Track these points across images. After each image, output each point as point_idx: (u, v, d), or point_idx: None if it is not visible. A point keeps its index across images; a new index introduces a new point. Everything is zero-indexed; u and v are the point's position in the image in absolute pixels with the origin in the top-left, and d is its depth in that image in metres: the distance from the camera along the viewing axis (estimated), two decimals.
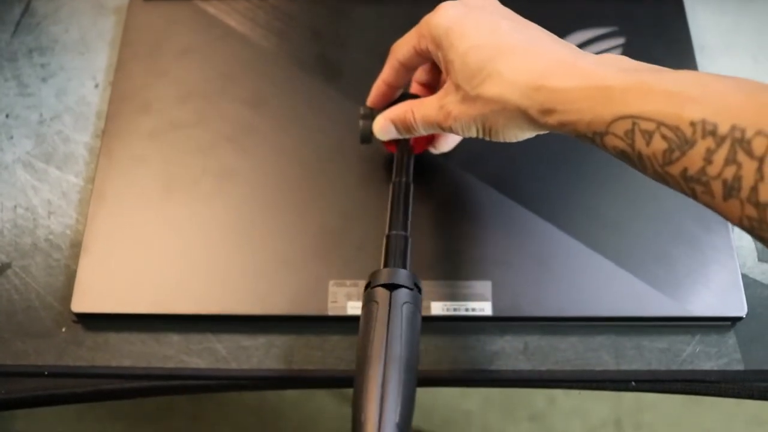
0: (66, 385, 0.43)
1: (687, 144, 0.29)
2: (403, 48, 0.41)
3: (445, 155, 0.47)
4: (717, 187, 0.29)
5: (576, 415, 1.06)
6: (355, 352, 0.35)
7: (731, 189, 0.28)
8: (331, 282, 0.44)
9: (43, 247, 0.47)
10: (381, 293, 0.35)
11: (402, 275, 0.36)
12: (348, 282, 0.44)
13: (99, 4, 0.58)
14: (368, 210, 0.47)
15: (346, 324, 0.44)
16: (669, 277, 0.44)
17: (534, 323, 0.44)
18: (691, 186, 0.30)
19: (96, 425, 1.05)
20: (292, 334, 0.44)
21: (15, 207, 0.49)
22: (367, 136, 0.44)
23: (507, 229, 0.46)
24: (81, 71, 0.55)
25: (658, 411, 1.06)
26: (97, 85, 0.54)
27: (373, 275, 0.36)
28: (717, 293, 0.44)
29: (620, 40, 0.53)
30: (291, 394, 1.05)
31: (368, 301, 0.35)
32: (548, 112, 0.34)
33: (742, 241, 0.47)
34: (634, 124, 0.31)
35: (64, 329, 0.45)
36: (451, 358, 0.44)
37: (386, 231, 0.39)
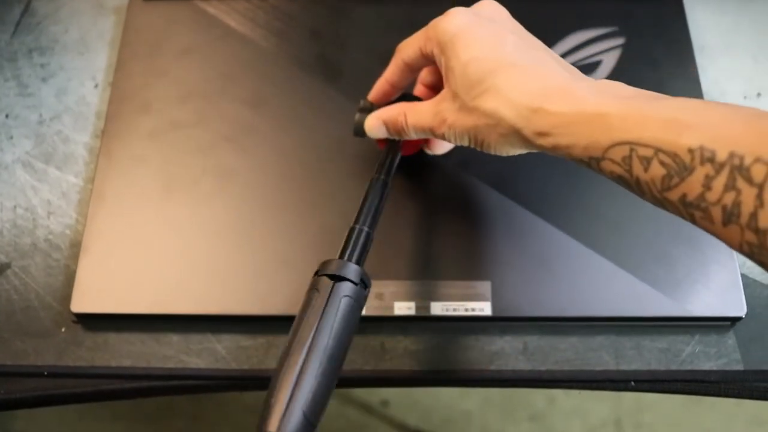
0: (66, 385, 0.43)
1: (686, 170, 0.29)
2: (409, 49, 0.41)
3: (445, 155, 0.47)
4: (716, 213, 0.29)
5: (576, 415, 1.06)
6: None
7: (731, 215, 0.28)
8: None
9: (43, 248, 0.47)
10: (324, 282, 0.35)
11: (350, 269, 0.35)
12: None
13: (99, 4, 0.58)
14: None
15: None
16: (669, 277, 0.44)
17: (534, 323, 0.44)
18: (690, 211, 0.30)
19: (96, 425, 1.05)
20: None
21: (15, 207, 0.49)
22: (361, 130, 0.44)
23: (507, 229, 0.46)
24: (81, 71, 0.55)
25: (658, 411, 1.06)
26: (96, 85, 0.54)
27: (323, 264, 0.36)
28: (717, 293, 0.44)
29: (620, 40, 0.53)
30: None
31: (311, 289, 0.35)
32: (543, 134, 0.34)
33: None
34: (631, 150, 0.31)
35: (63, 329, 0.45)
36: (451, 358, 0.44)
37: (351, 223, 0.39)
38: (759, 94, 0.53)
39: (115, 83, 0.52)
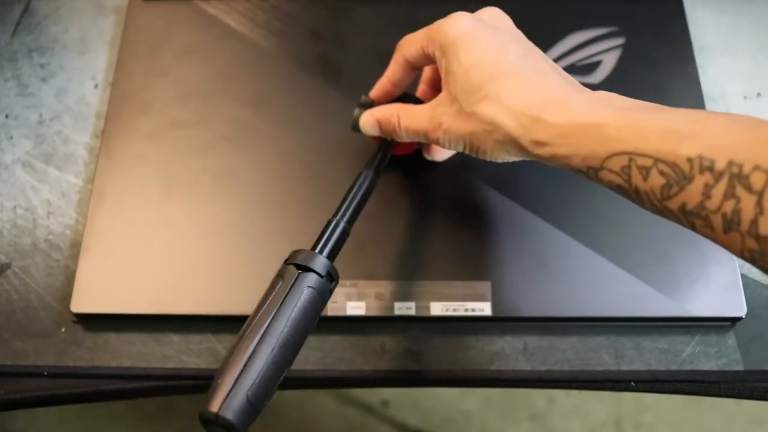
0: (66, 385, 0.43)
1: (685, 179, 0.29)
2: (410, 46, 0.41)
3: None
4: (716, 220, 0.29)
5: (576, 415, 1.06)
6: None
7: (731, 222, 0.28)
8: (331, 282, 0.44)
9: (43, 248, 0.47)
10: (290, 271, 0.35)
11: (318, 261, 0.36)
12: (348, 282, 0.44)
13: (99, 4, 0.58)
14: (368, 210, 0.47)
15: (345, 324, 0.44)
16: (669, 277, 0.44)
17: (534, 323, 0.44)
18: (691, 220, 0.30)
19: (96, 425, 1.05)
20: None
21: (15, 207, 0.49)
22: (358, 125, 0.44)
23: (507, 229, 0.46)
24: (81, 71, 0.55)
25: (658, 411, 1.06)
26: (96, 85, 0.54)
27: (293, 253, 0.36)
28: (717, 293, 0.44)
29: (620, 40, 0.53)
30: (291, 394, 1.05)
31: (277, 276, 0.35)
32: (541, 144, 0.34)
33: None
34: (630, 160, 0.31)
35: (63, 329, 0.45)
36: (451, 358, 0.44)
37: (330, 216, 0.39)
38: (759, 94, 0.53)
39: (115, 83, 0.52)
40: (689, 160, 0.29)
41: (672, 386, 0.43)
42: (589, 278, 0.44)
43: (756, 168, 0.27)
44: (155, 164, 0.49)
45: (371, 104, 0.44)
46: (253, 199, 0.47)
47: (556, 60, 0.52)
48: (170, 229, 0.46)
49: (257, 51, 0.54)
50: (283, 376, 0.34)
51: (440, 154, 0.47)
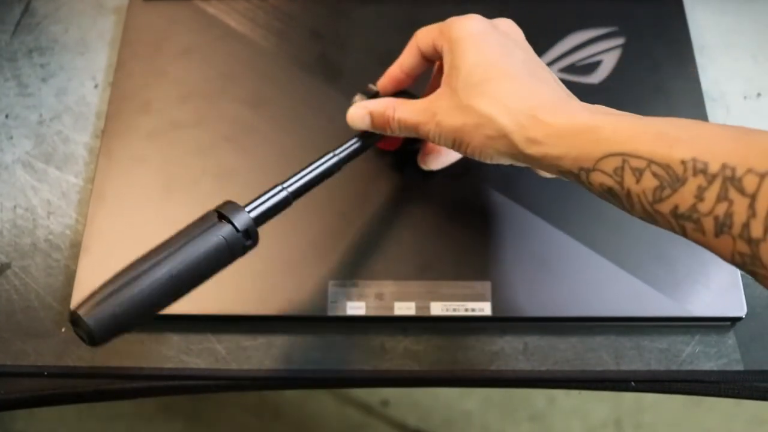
0: (66, 385, 0.43)
1: (678, 182, 0.30)
2: (425, 37, 0.42)
3: None
4: (708, 224, 0.29)
5: (576, 415, 1.06)
6: None
7: (723, 225, 0.29)
8: (331, 282, 0.44)
9: (43, 248, 0.47)
10: (210, 216, 0.36)
11: (240, 217, 0.36)
12: (348, 282, 0.44)
13: (99, 4, 0.58)
14: (368, 210, 0.47)
15: (345, 324, 0.44)
16: (669, 277, 0.44)
17: (534, 323, 0.44)
18: (682, 223, 0.31)
19: (96, 425, 1.05)
20: (292, 334, 0.44)
21: (15, 207, 0.49)
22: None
23: (507, 229, 0.46)
24: (81, 71, 0.55)
25: (658, 411, 1.06)
26: (96, 85, 0.54)
27: (226, 203, 0.37)
28: (716, 293, 0.44)
29: (620, 40, 0.53)
30: (291, 394, 1.05)
31: (201, 217, 0.36)
32: (534, 142, 0.35)
33: None
34: (624, 161, 0.32)
35: (63, 329, 0.45)
36: (451, 358, 0.44)
37: (282, 179, 0.39)
38: (759, 94, 0.53)
39: (115, 83, 0.52)
40: (683, 162, 0.30)
41: (672, 386, 0.43)
42: (589, 278, 0.44)
43: (749, 171, 0.28)
44: (155, 164, 0.49)
45: (376, 94, 0.44)
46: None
47: (557, 60, 0.52)
48: (170, 229, 0.46)
49: (257, 51, 0.54)
50: (163, 311, 0.34)
51: (435, 163, 0.46)
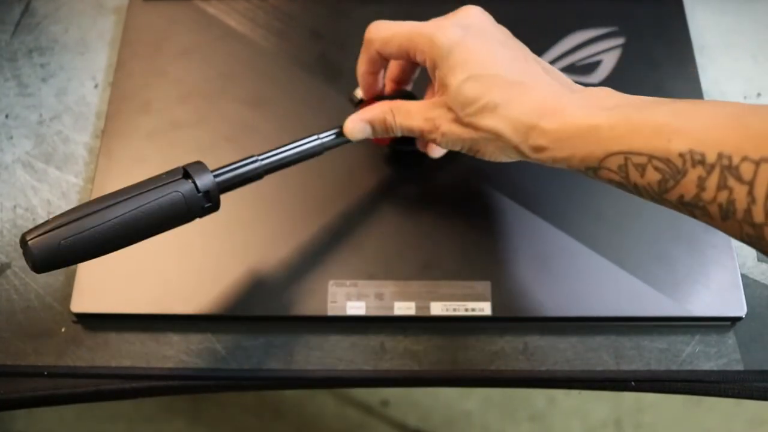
0: (66, 385, 0.43)
1: (679, 174, 0.31)
2: (389, 46, 0.41)
3: (444, 157, 0.47)
4: (714, 210, 0.30)
5: (576, 415, 1.06)
6: None
7: (727, 211, 0.30)
8: (331, 282, 0.44)
9: None
10: (176, 172, 0.37)
11: (204, 178, 0.36)
12: (348, 282, 0.44)
13: (99, 4, 0.58)
14: (368, 210, 0.47)
15: (345, 324, 0.44)
16: (669, 277, 0.44)
17: (534, 323, 0.44)
18: (690, 209, 0.32)
19: (96, 425, 1.05)
20: (292, 334, 0.44)
21: (15, 207, 0.49)
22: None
23: (507, 229, 0.46)
24: (81, 71, 0.55)
25: (658, 411, 1.06)
26: (96, 85, 0.54)
27: (196, 162, 0.37)
28: (716, 293, 0.44)
29: (620, 40, 0.53)
30: (291, 394, 1.05)
31: (167, 171, 0.37)
32: (540, 149, 0.36)
33: None
34: (626, 159, 0.32)
35: (63, 329, 0.45)
36: (451, 358, 0.44)
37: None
38: (759, 94, 0.53)
39: (115, 83, 0.52)
40: (681, 155, 0.30)
41: (672, 386, 0.43)
42: (589, 278, 0.44)
43: (744, 159, 0.28)
44: (155, 164, 0.48)
45: (360, 102, 0.44)
46: (253, 199, 0.47)
47: (557, 59, 0.52)
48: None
49: (257, 51, 0.54)
50: (109, 252, 0.35)
51: (437, 152, 0.47)
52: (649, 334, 0.44)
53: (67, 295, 0.45)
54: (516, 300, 0.44)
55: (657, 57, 0.53)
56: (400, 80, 0.45)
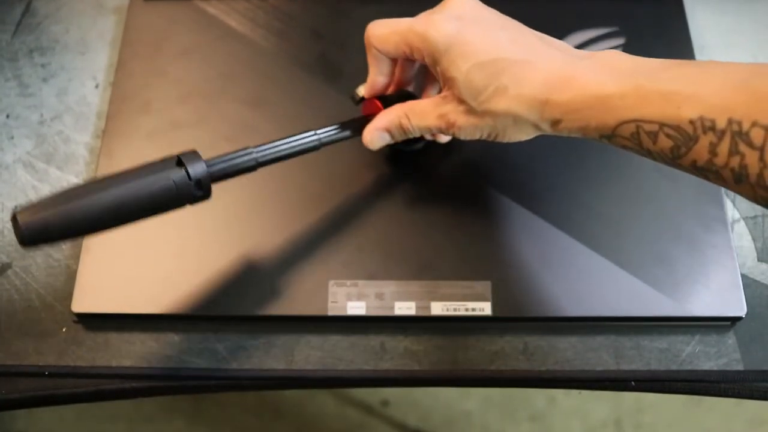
0: (66, 385, 0.43)
1: (691, 140, 0.31)
2: (387, 46, 0.41)
3: (444, 156, 0.47)
4: (727, 174, 0.31)
5: (576, 415, 1.06)
6: None
7: (740, 176, 0.30)
8: (331, 282, 0.44)
9: (44, 247, 0.47)
10: (170, 159, 0.37)
11: (197, 167, 0.37)
12: (348, 282, 0.44)
13: (99, 4, 0.58)
14: (368, 210, 0.47)
15: (346, 324, 0.44)
16: (669, 277, 0.44)
17: (534, 323, 0.44)
18: (704, 173, 0.32)
19: (96, 425, 1.05)
20: (292, 334, 0.44)
21: (15, 207, 0.49)
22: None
23: (507, 229, 0.46)
24: (81, 71, 0.55)
25: (658, 411, 1.06)
26: (97, 85, 0.54)
27: (190, 151, 0.37)
28: (716, 293, 0.44)
29: (620, 40, 0.53)
30: (291, 394, 1.05)
31: (161, 158, 0.37)
32: (556, 122, 0.36)
33: (742, 241, 0.47)
34: (638, 126, 0.33)
35: (64, 329, 0.45)
36: (451, 358, 0.44)
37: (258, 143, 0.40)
38: None
39: (115, 83, 0.52)
40: (691, 122, 0.31)
41: (672, 386, 0.43)
42: (589, 278, 0.44)
43: (754, 124, 0.29)
44: None
45: (361, 100, 0.45)
46: (254, 200, 0.47)
47: None
48: (171, 229, 0.46)
49: (257, 51, 0.54)
50: (97, 232, 0.35)
51: (444, 137, 0.47)
52: (649, 334, 0.44)
53: (67, 295, 0.45)
54: (516, 300, 0.44)
55: (657, 57, 0.52)
56: (400, 80, 0.45)
